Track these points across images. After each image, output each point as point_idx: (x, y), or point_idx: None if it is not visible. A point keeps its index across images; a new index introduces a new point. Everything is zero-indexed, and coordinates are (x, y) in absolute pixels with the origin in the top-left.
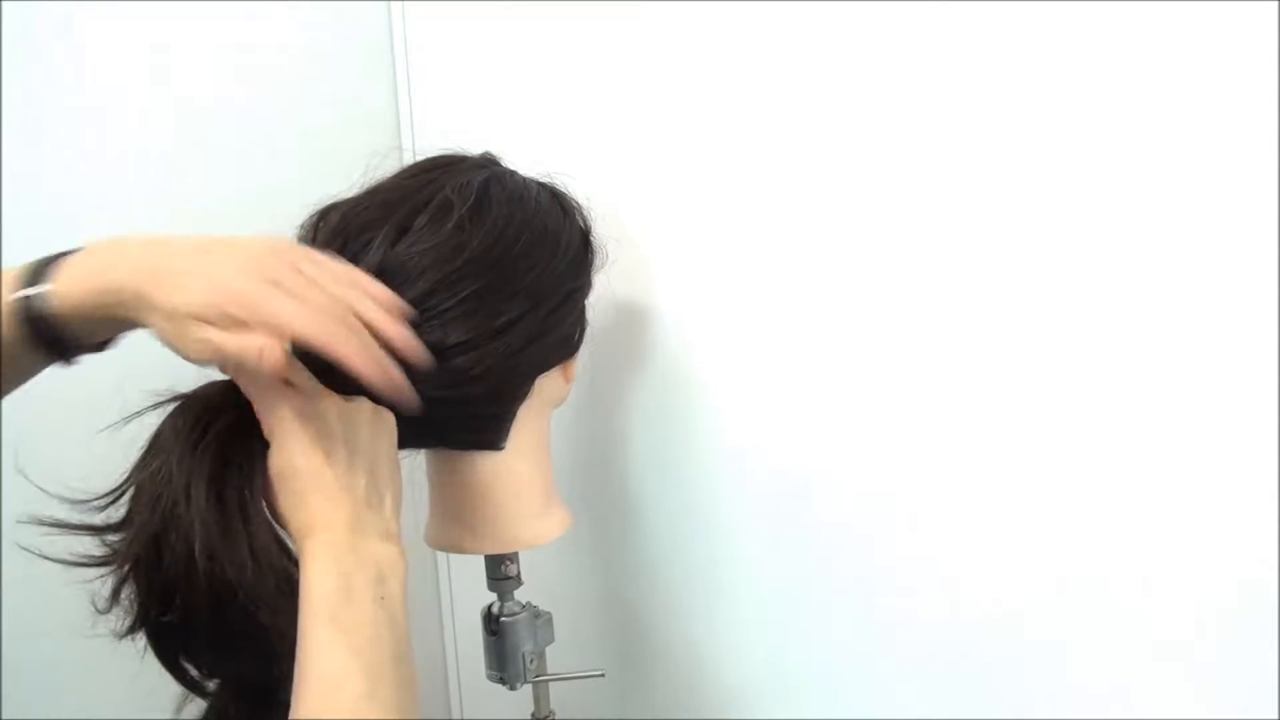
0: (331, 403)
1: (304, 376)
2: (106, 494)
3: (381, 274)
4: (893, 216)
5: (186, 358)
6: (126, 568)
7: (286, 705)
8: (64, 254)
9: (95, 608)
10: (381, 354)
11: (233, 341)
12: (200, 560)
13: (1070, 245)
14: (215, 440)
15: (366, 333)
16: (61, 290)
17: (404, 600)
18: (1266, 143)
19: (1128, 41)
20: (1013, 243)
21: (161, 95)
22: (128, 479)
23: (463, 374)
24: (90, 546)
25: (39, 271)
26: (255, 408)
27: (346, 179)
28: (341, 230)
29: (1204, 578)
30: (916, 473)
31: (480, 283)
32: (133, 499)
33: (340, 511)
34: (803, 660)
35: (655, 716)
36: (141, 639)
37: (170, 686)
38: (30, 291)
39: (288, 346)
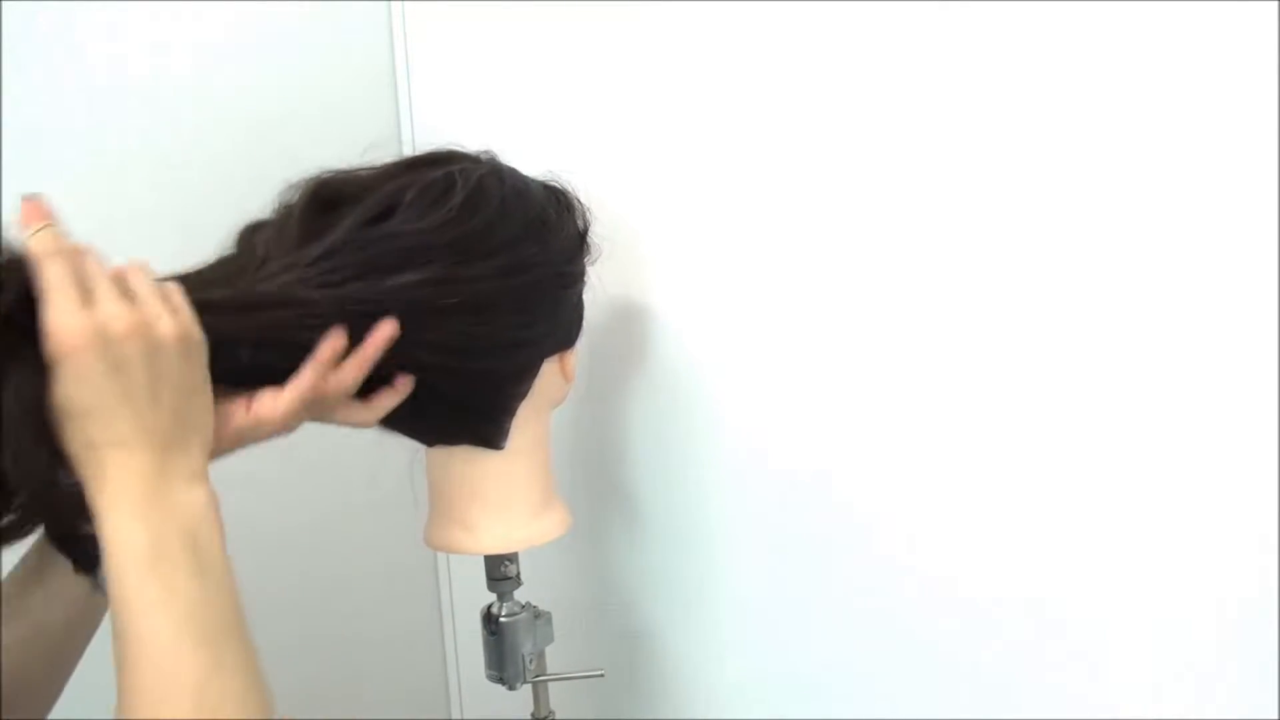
0: (130, 320)
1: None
2: None
3: (356, 248)
4: (891, 214)
5: None
6: None
7: None
8: None
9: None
10: None
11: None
12: None
13: (1073, 245)
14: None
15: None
16: None
17: (224, 555)
18: (1266, 143)
19: (1128, 41)
20: (1015, 239)
21: (161, 95)
22: None
23: (453, 352)
24: None
25: None
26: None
27: None
28: (322, 196)
29: (1204, 578)
30: (919, 472)
31: (467, 266)
32: None
33: (138, 457)
34: (805, 660)
35: (655, 716)
36: None
37: None
38: None
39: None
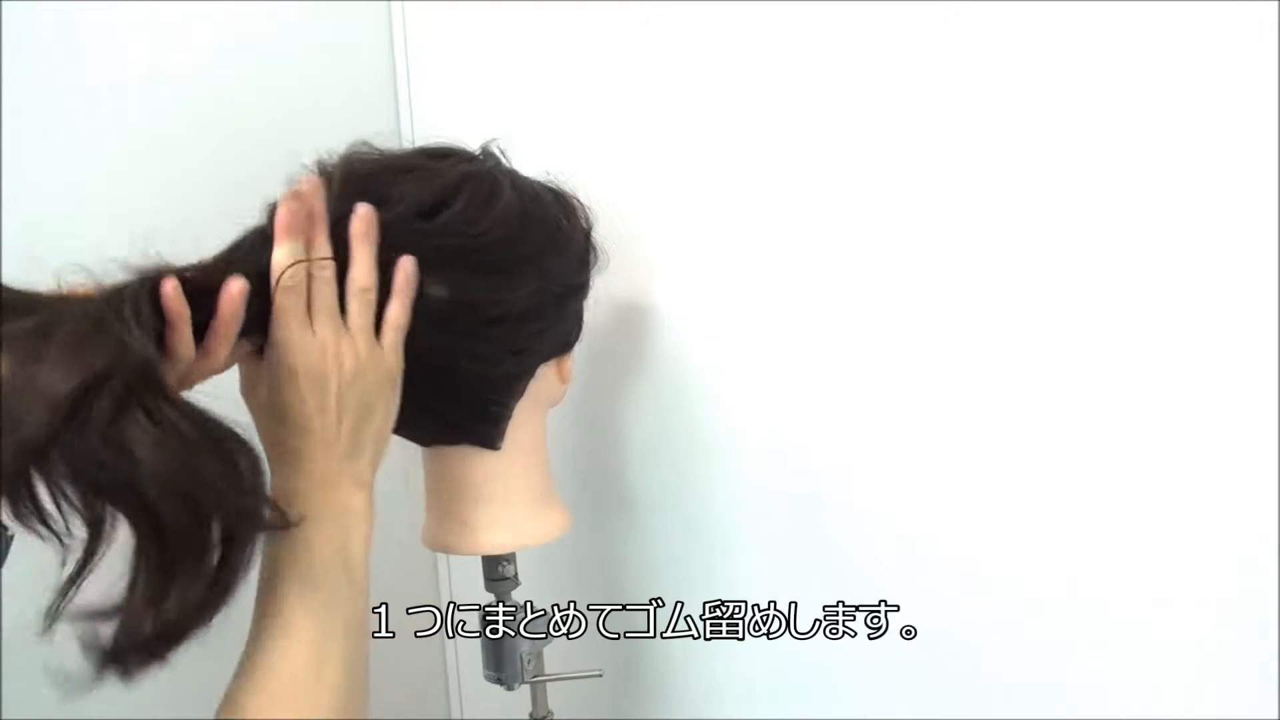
0: (346, 354)
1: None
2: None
3: (396, 247)
4: (893, 214)
5: None
6: None
7: None
8: None
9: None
10: None
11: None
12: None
13: (1074, 246)
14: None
15: None
16: None
17: (365, 559)
18: (1266, 143)
19: (1128, 41)
20: (1017, 239)
21: (161, 95)
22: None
23: (461, 357)
24: None
25: None
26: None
27: None
28: (363, 184)
29: (1204, 578)
30: (919, 473)
31: (491, 273)
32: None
33: (318, 463)
34: (804, 660)
35: (654, 717)
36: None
37: (171, 687)
38: None
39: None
